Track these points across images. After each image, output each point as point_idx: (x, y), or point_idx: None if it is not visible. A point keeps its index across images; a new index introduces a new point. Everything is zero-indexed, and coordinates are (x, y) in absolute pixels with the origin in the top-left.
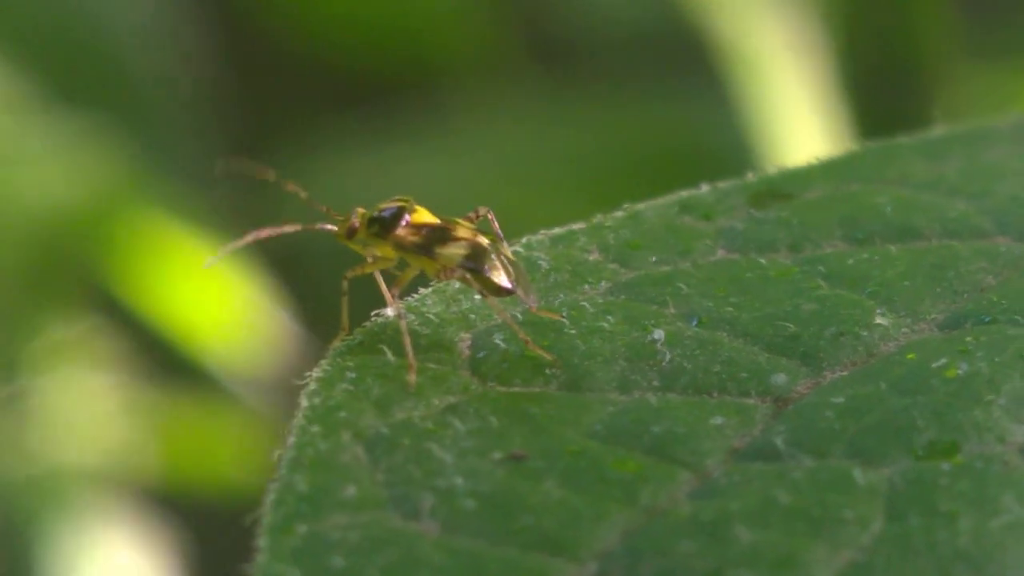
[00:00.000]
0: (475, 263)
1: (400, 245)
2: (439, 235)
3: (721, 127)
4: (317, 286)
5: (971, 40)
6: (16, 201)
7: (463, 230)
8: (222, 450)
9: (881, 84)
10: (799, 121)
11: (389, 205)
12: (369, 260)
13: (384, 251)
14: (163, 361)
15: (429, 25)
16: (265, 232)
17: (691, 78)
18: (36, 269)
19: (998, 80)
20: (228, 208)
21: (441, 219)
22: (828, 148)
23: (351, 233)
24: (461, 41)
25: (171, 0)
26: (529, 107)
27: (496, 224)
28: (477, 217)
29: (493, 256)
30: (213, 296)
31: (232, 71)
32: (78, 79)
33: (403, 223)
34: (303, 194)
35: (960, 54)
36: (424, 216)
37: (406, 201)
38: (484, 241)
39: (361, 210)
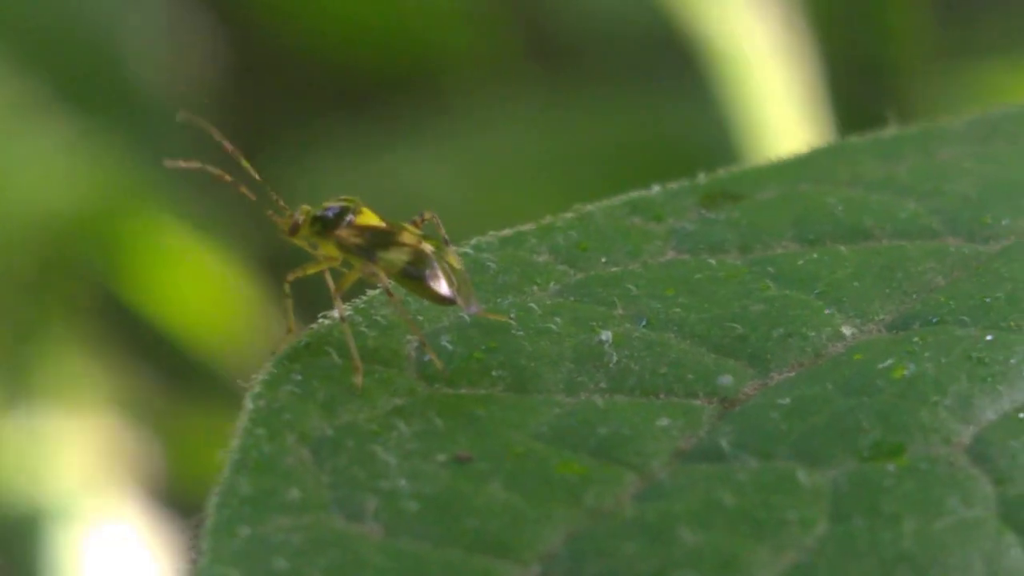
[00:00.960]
0: (416, 270)
1: (342, 245)
2: (382, 238)
3: (714, 126)
4: (320, 289)
5: (947, 39)
6: (17, 205)
7: (408, 235)
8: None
9: (861, 83)
10: (784, 120)
11: (334, 204)
12: (319, 259)
13: (328, 250)
14: (168, 364)
15: (427, 25)
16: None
17: (687, 77)
18: (39, 273)
19: (974, 78)
20: (227, 209)
21: (387, 222)
22: (808, 140)
23: (294, 230)
24: (459, 41)
25: (169, 2)
26: (526, 107)
27: (442, 228)
28: (423, 221)
29: (435, 264)
30: (216, 299)
31: (231, 72)
32: (77, 82)
33: (345, 223)
34: (251, 196)
35: (937, 53)
36: (369, 218)
37: (352, 201)
38: (427, 248)
39: (306, 207)
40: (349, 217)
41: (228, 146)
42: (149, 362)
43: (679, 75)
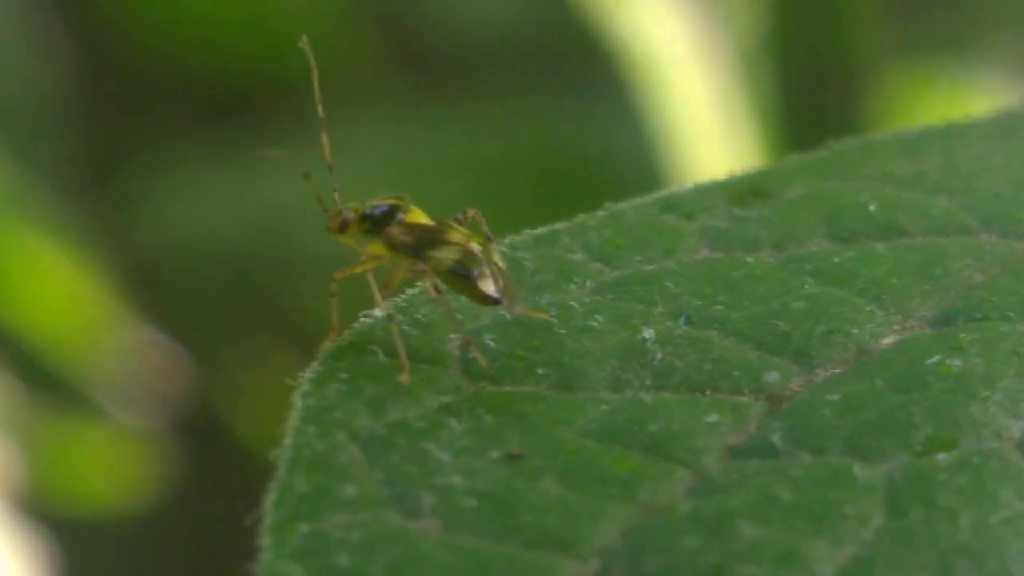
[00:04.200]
0: (464, 269)
1: (391, 244)
2: (431, 237)
3: (612, 131)
4: (184, 299)
5: (895, 35)
6: None
7: (456, 234)
8: (89, 462)
9: (806, 82)
10: (700, 123)
11: (382, 202)
12: (361, 258)
13: (376, 249)
14: (28, 373)
15: (293, 35)
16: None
17: (584, 83)
18: None
19: (923, 75)
20: (87, 218)
21: (435, 220)
22: (735, 149)
23: (343, 227)
24: (332, 51)
25: (30, 8)
26: (399, 120)
27: (485, 226)
28: (465, 218)
29: (483, 263)
30: (78, 309)
31: (97, 84)
32: None
33: (396, 221)
34: (311, 179)
35: (884, 50)
36: (418, 216)
37: (400, 199)
38: (476, 247)
39: (354, 204)
40: (399, 215)
41: (299, 167)
42: (9, 370)
43: (583, 80)
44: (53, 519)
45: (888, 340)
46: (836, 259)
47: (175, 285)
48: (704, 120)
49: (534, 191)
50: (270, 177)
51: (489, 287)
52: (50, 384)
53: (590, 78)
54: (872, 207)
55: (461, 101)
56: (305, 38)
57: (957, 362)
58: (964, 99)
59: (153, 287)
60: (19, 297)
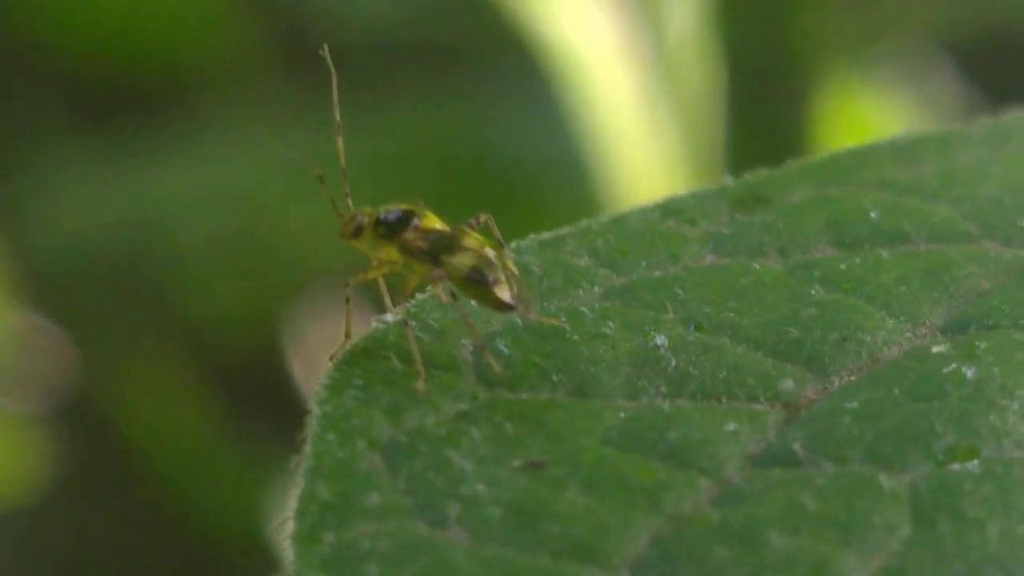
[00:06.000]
0: (480, 275)
1: (406, 249)
2: (446, 242)
3: (526, 128)
4: (69, 290)
5: (831, 33)
6: None
7: (470, 239)
8: None
9: (737, 81)
10: (622, 121)
11: (397, 208)
12: (374, 264)
13: (390, 254)
14: None
15: (182, 33)
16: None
17: (497, 79)
18: None
19: (853, 75)
20: None
21: (451, 226)
22: (660, 147)
23: (357, 232)
24: (217, 48)
25: None
26: (284, 121)
27: (497, 231)
28: (478, 223)
29: (499, 269)
30: None
31: None
32: None
33: (411, 227)
34: (323, 182)
35: (820, 49)
36: (433, 222)
37: (415, 204)
38: (491, 253)
39: (368, 209)
40: (414, 220)
41: (315, 171)
42: None
43: (488, 80)
44: None
45: (901, 348)
46: (843, 266)
47: (61, 276)
48: (627, 118)
49: (437, 189)
50: (156, 171)
51: (505, 293)
52: None
53: (503, 74)
54: (874, 214)
55: (359, 98)
56: (326, 46)
57: (973, 370)
58: (876, 99)
59: (38, 278)
60: None
